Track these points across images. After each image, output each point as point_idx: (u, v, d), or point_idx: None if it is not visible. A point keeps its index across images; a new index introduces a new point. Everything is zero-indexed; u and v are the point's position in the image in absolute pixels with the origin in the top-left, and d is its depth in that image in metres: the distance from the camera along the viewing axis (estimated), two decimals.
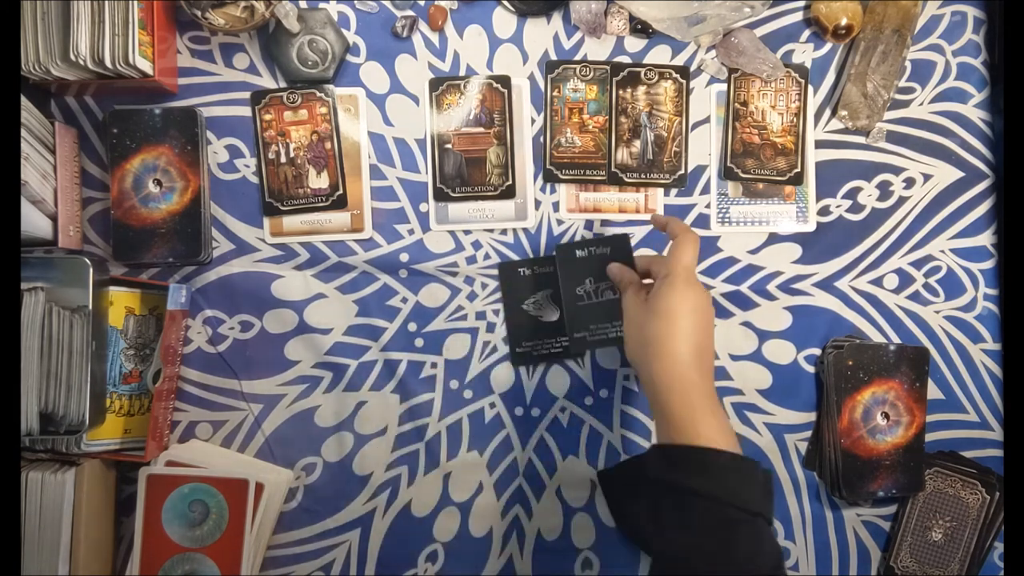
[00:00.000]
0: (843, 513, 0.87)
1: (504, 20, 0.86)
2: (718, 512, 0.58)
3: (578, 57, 0.86)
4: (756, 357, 0.87)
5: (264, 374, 0.84)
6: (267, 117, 0.84)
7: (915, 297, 0.88)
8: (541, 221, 0.86)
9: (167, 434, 0.83)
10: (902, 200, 0.88)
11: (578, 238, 0.86)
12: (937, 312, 0.88)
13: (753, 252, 0.87)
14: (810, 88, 0.87)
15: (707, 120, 0.87)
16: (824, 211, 0.88)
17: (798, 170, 0.86)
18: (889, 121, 0.88)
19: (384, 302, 0.85)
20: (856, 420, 0.84)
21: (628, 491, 0.80)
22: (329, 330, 0.84)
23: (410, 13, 0.85)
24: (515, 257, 0.86)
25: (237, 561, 0.77)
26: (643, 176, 0.86)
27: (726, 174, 0.86)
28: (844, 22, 0.84)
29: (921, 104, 0.88)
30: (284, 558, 0.84)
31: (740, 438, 0.86)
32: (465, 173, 0.85)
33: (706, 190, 0.87)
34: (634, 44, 0.87)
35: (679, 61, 0.87)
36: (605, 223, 0.86)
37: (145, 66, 0.76)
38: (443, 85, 0.85)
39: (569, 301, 0.78)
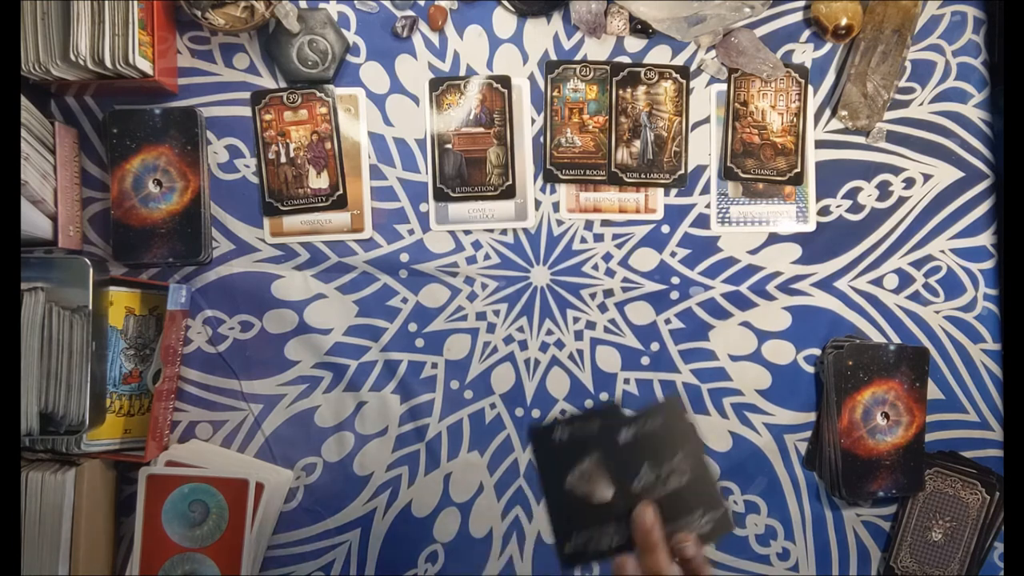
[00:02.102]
0: (843, 513, 0.87)
1: (504, 20, 0.86)
2: None
3: (578, 57, 0.86)
4: (756, 357, 0.87)
5: (264, 374, 0.84)
6: (267, 117, 0.84)
7: (915, 297, 0.88)
8: (541, 221, 0.86)
9: (167, 434, 0.83)
10: (902, 200, 0.88)
11: (568, 235, 0.86)
12: (937, 312, 0.88)
13: (753, 252, 0.87)
14: (810, 88, 0.87)
15: (707, 120, 0.87)
16: (824, 211, 0.88)
17: (798, 170, 0.86)
18: (889, 121, 0.88)
19: (384, 302, 0.85)
20: (856, 420, 0.84)
21: None
22: (329, 330, 0.84)
23: (410, 13, 0.85)
24: (517, 259, 0.86)
25: (237, 561, 0.77)
26: (643, 176, 0.86)
27: (726, 174, 0.86)
28: (844, 22, 0.84)
29: (921, 104, 0.88)
30: (284, 558, 0.84)
31: (740, 439, 0.86)
32: (465, 173, 0.85)
33: (706, 190, 0.87)
34: (634, 44, 0.87)
35: (679, 61, 0.87)
36: (605, 223, 0.86)
37: (145, 66, 0.76)
38: (443, 85, 0.85)
39: (625, 507, 0.57)
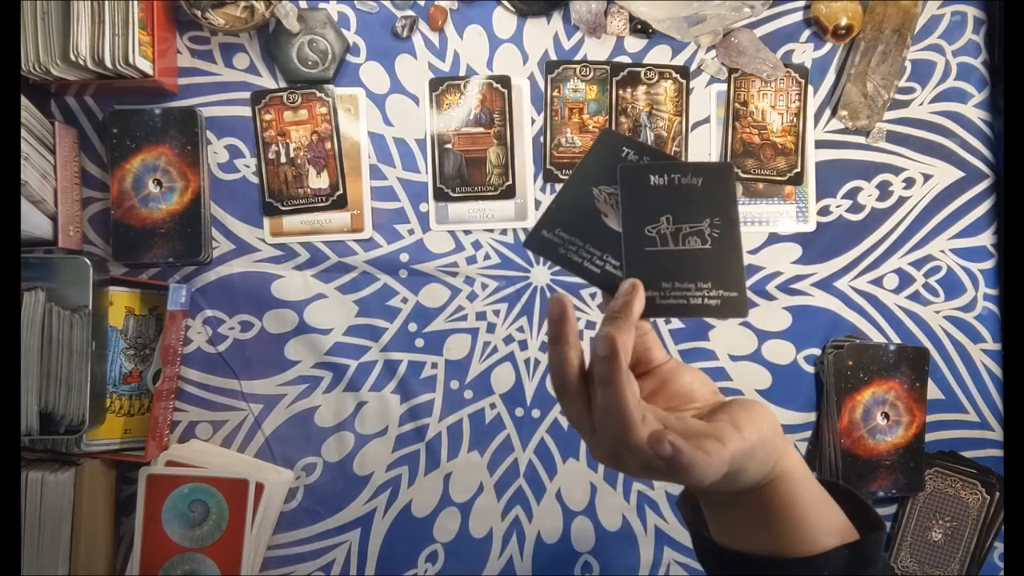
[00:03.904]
0: None
1: (504, 20, 0.86)
2: None
3: (578, 57, 0.86)
4: (756, 357, 0.87)
5: (264, 374, 0.84)
6: (267, 117, 0.84)
7: (915, 297, 0.88)
8: None
9: (167, 434, 0.83)
10: (902, 200, 0.88)
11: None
12: (937, 312, 0.88)
13: (753, 252, 0.87)
14: (810, 88, 0.87)
15: (707, 120, 0.87)
16: (824, 211, 0.88)
17: (798, 170, 0.86)
18: (889, 121, 0.88)
19: (384, 302, 0.85)
20: (856, 420, 0.84)
21: None
22: (329, 330, 0.84)
23: (410, 13, 0.85)
24: (517, 259, 0.86)
25: (237, 561, 0.77)
26: None
27: None
28: (844, 22, 0.84)
29: (921, 104, 0.88)
30: (284, 558, 0.84)
31: None
32: (465, 173, 0.85)
33: None
34: (634, 44, 0.87)
35: (679, 61, 0.87)
36: None
37: (145, 66, 0.76)
38: (443, 85, 0.85)
39: (633, 244, 0.52)
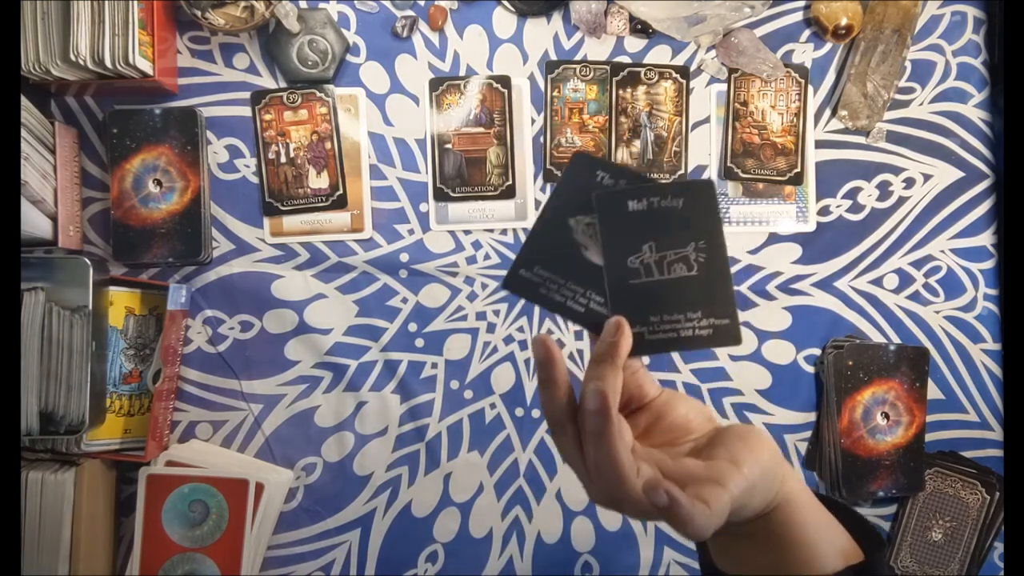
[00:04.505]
0: None
1: (504, 20, 0.86)
2: None
3: (578, 57, 0.86)
4: (756, 357, 0.87)
5: (264, 374, 0.84)
6: (267, 117, 0.84)
7: (915, 297, 0.88)
8: None
9: (167, 434, 0.83)
10: (902, 200, 0.88)
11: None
12: (937, 312, 0.88)
13: (753, 252, 0.87)
14: (810, 88, 0.87)
15: (707, 120, 0.87)
16: (824, 211, 0.88)
17: (798, 170, 0.86)
18: (889, 121, 0.88)
19: (384, 302, 0.85)
20: (856, 420, 0.84)
21: None
22: (329, 330, 0.84)
23: (410, 13, 0.85)
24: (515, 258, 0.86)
25: (237, 561, 0.77)
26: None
27: (726, 174, 0.86)
28: (844, 22, 0.84)
29: (921, 104, 0.88)
30: (284, 558, 0.84)
31: None
32: (465, 173, 0.85)
33: None
34: (634, 44, 0.87)
35: (679, 61, 0.87)
36: None
37: (145, 66, 0.76)
38: (443, 85, 0.85)
39: (616, 278, 0.49)
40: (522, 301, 0.86)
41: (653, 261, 0.49)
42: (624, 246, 0.49)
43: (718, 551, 0.47)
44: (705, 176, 0.87)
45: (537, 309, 0.86)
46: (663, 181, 0.56)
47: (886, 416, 0.84)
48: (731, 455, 0.42)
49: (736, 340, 0.49)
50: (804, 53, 0.88)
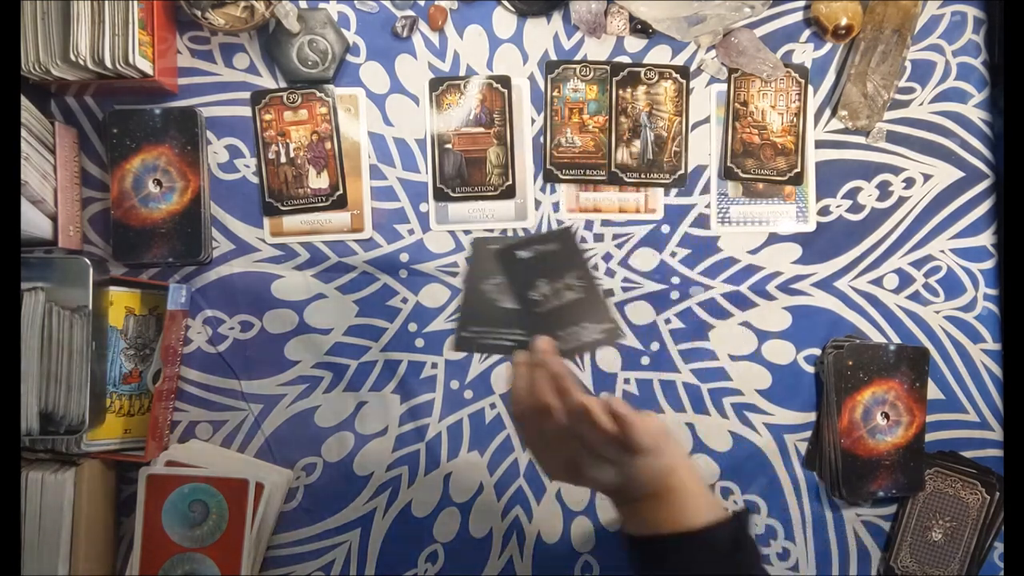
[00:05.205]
0: (843, 513, 0.87)
1: (504, 20, 0.86)
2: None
3: (578, 57, 0.86)
4: (756, 357, 0.87)
5: (264, 374, 0.84)
6: (267, 117, 0.84)
7: (915, 297, 0.88)
8: (541, 221, 0.86)
9: (167, 434, 0.83)
10: (902, 200, 0.88)
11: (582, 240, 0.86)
12: (937, 312, 0.88)
13: (753, 252, 0.87)
14: (810, 88, 0.87)
15: (707, 120, 0.87)
16: (824, 211, 0.88)
17: (798, 170, 0.86)
18: (889, 121, 0.88)
19: (384, 302, 0.85)
20: (856, 420, 0.84)
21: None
22: (329, 330, 0.84)
23: (410, 13, 0.85)
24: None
25: (237, 561, 0.77)
26: (643, 176, 0.86)
27: (726, 174, 0.86)
28: (844, 22, 0.84)
29: (921, 104, 0.88)
30: (284, 558, 0.84)
31: (740, 439, 0.86)
32: (465, 173, 0.85)
33: (706, 190, 0.87)
34: (634, 44, 0.87)
35: (679, 61, 0.87)
36: (605, 223, 0.86)
37: (145, 66, 0.76)
38: (443, 85, 0.85)
39: (527, 312, 0.66)
40: None
41: (549, 292, 0.65)
42: (525, 286, 0.65)
43: (629, 520, 0.62)
44: (705, 176, 0.87)
45: None
46: (545, 232, 0.78)
47: (886, 416, 0.84)
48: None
49: (622, 336, 0.72)
50: (804, 53, 0.88)
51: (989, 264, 0.88)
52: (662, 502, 0.59)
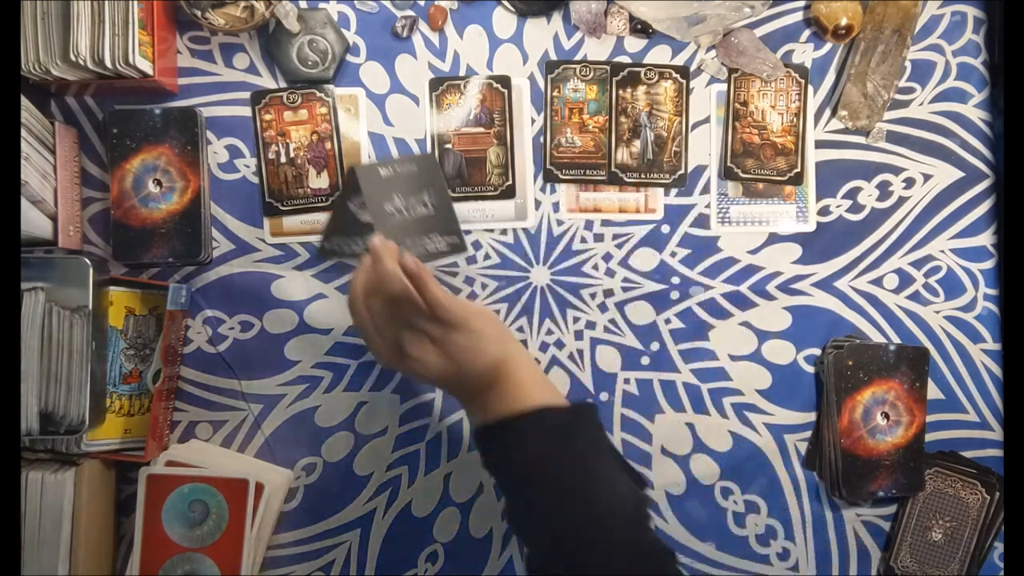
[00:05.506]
0: (843, 513, 0.87)
1: (504, 20, 0.86)
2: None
3: (578, 57, 0.86)
4: (756, 357, 0.87)
5: (264, 374, 0.84)
6: (267, 117, 0.84)
7: (915, 297, 0.88)
8: (541, 221, 0.86)
9: (167, 434, 0.83)
10: (902, 200, 0.88)
11: (568, 235, 0.86)
12: (937, 312, 0.88)
13: (753, 252, 0.87)
14: (810, 88, 0.87)
15: (707, 120, 0.87)
16: (824, 211, 0.88)
17: (798, 170, 0.86)
18: (889, 121, 0.88)
19: None
20: (856, 420, 0.84)
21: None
22: (329, 330, 0.84)
23: (410, 13, 0.85)
24: (517, 259, 0.86)
25: (237, 561, 0.77)
26: (643, 176, 0.86)
27: (726, 174, 0.87)
28: (844, 22, 0.84)
29: (921, 104, 0.88)
30: (284, 558, 0.84)
31: (740, 439, 0.86)
32: (465, 173, 0.85)
33: (706, 190, 0.87)
34: (634, 44, 0.87)
35: (679, 61, 0.87)
36: (605, 223, 0.86)
37: (145, 66, 0.76)
38: (443, 85, 0.85)
39: (381, 222, 0.73)
40: (522, 301, 0.86)
41: (403, 206, 0.74)
42: (382, 198, 0.73)
43: (473, 413, 0.68)
44: (705, 176, 0.87)
45: (537, 309, 0.86)
46: (419, 154, 0.83)
47: (886, 416, 0.84)
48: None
49: (464, 249, 0.78)
50: (804, 53, 0.88)
51: (989, 264, 0.88)
52: (498, 391, 0.65)
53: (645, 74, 0.86)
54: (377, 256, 0.65)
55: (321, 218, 0.84)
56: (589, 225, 0.86)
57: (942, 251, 0.88)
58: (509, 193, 0.85)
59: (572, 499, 0.59)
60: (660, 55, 0.87)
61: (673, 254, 0.87)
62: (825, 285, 0.87)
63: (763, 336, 0.87)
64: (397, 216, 0.74)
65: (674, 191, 0.87)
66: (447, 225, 0.75)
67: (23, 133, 0.73)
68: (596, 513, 0.59)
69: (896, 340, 0.87)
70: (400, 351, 0.66)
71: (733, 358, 0.87)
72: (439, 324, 0.65)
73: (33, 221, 0.75)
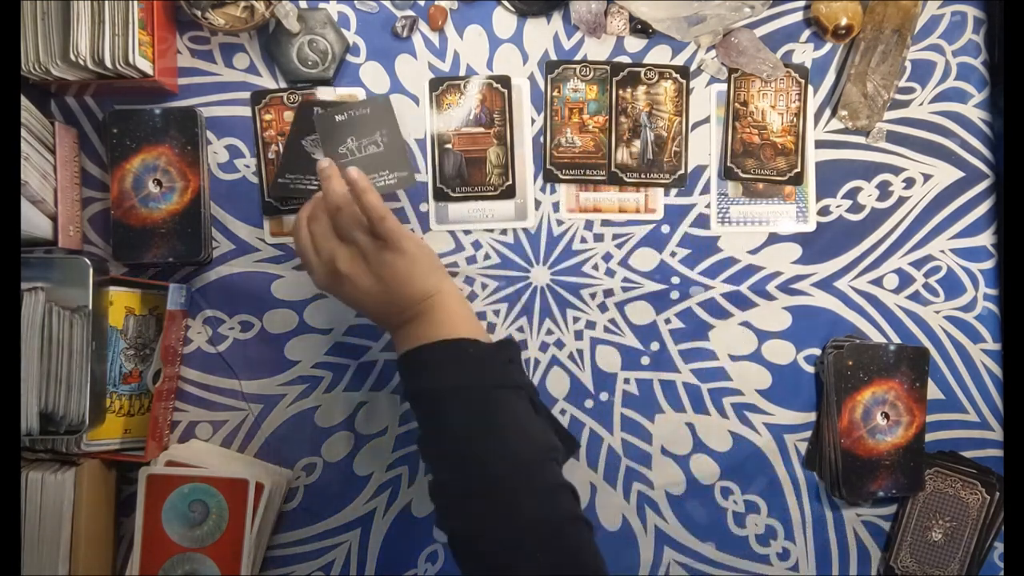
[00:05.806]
0: (843, 513, 0.87)
1: (504, 20, 0.86)
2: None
3: (578, 57, 0.86)
4: (756, 357, 0.87)
5: (264, 374, 0.84)
6: (267, 117, 0.84)
7: (915, 297, 0.88)
8: (541, 221, 0.86)
9: (167, 434, 0.83)
10: (902, 200, 0.88)
11: (568, 235, 0.86)
12: (937, 312, 0.88)
13: (753, 252, 0.87)
14: (810, 88, 0.87)
15: (707, 120, 0.87)
16: (824, 211, 0.88)
17: (798, 170, 0.86)
18: (889, 121, 0.88)
19: None
20: (856, 420, 0.84)
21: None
22: (329, 330, 0.84)
23: (410, 13, 0.85)
24: (517, 259, 0.86)
25: (237, 561, 0.77)
26: (643, 176, 0.86)
27: (726, 174, 0.86)
28: (844, 22, 0.84)
29: (921, 104, 0.88)
30: (284, 558, 0.84)
31: (740, 439, 0.86)
32: (465, 173, 0.85)
33: (706, 190, 0.87)
34: (634, 44, 0.87)
35: (679, 61, 0.87)
36: (605, 223, 0.86)
37: (145, 66, 0.76)
38: (443, 85, 0.85)
39: (333, 160, 0.77)
40: (522, 301, 0.86)
41: (355, 147, 0.78)
42: (336, 142, 0.78)
43: (400, 342, 0.70)
44: (705, 176, 0.87)
45: (537, 309, 0.86)
46: (368, 98, 0.84)
47: (886, 416, 0.84)
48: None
49: (412, 182, 0.80)
50: (804, 53, 0.88)
51: (989, 264, 0.88)
52: (425, 321, 0.68)
53: (645, 74, 0.86)
54: (324, 176, 0.70)
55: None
56: (589, 225, 0.86)
57: (942, 251, 0.88)
58: (509, 193, 0.85)
59: (478, 429, 0.63)
60: (660, 55, 0.87)
61: (673, 254, 0.87)
62: (825, 285, 0.87)
63: (763, 336, 0.87)
64: (349, 156, 0.78)
65: (674, 191, 0.87)
66: (396, 161, 0.79)
67: (23, 133, 0.73)
68: (499, 446, 0.63)
69: (896, 340, 0.87)
70: (334, 271, 0.69)
71: (733, 358, 0.87)
72: (375, 240, 0.68)
73: (33, 221, 0.75)
